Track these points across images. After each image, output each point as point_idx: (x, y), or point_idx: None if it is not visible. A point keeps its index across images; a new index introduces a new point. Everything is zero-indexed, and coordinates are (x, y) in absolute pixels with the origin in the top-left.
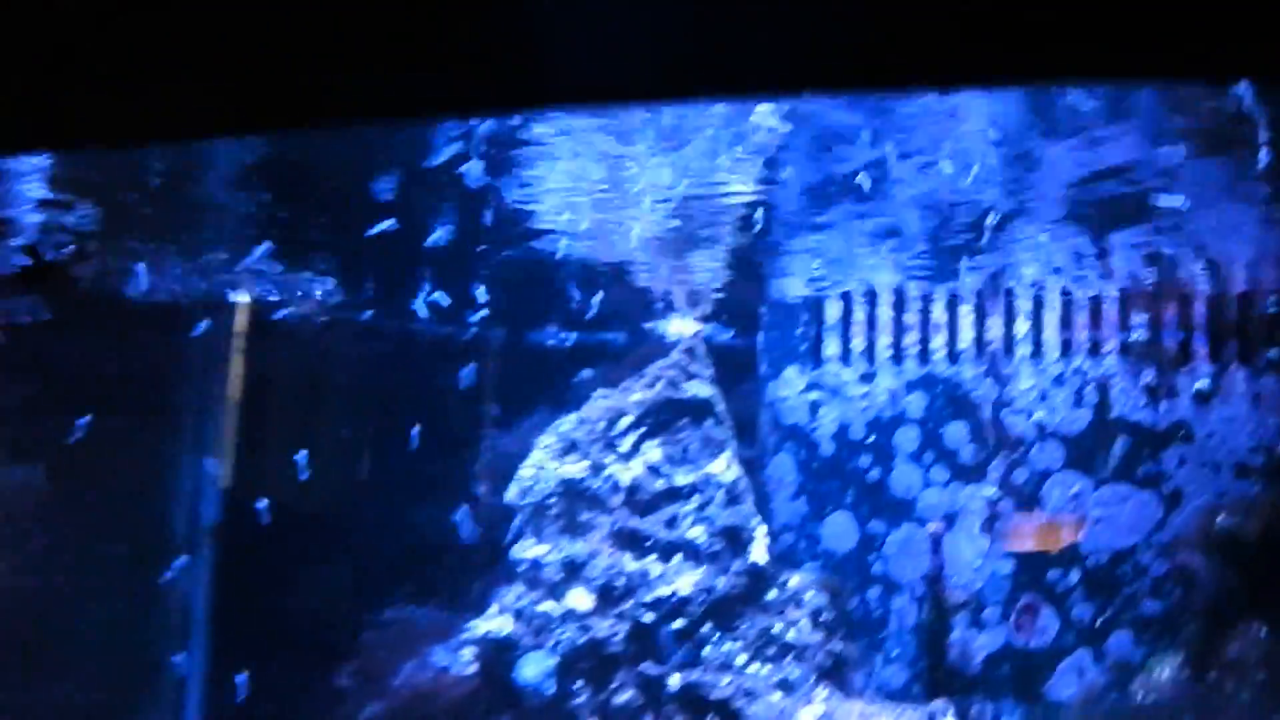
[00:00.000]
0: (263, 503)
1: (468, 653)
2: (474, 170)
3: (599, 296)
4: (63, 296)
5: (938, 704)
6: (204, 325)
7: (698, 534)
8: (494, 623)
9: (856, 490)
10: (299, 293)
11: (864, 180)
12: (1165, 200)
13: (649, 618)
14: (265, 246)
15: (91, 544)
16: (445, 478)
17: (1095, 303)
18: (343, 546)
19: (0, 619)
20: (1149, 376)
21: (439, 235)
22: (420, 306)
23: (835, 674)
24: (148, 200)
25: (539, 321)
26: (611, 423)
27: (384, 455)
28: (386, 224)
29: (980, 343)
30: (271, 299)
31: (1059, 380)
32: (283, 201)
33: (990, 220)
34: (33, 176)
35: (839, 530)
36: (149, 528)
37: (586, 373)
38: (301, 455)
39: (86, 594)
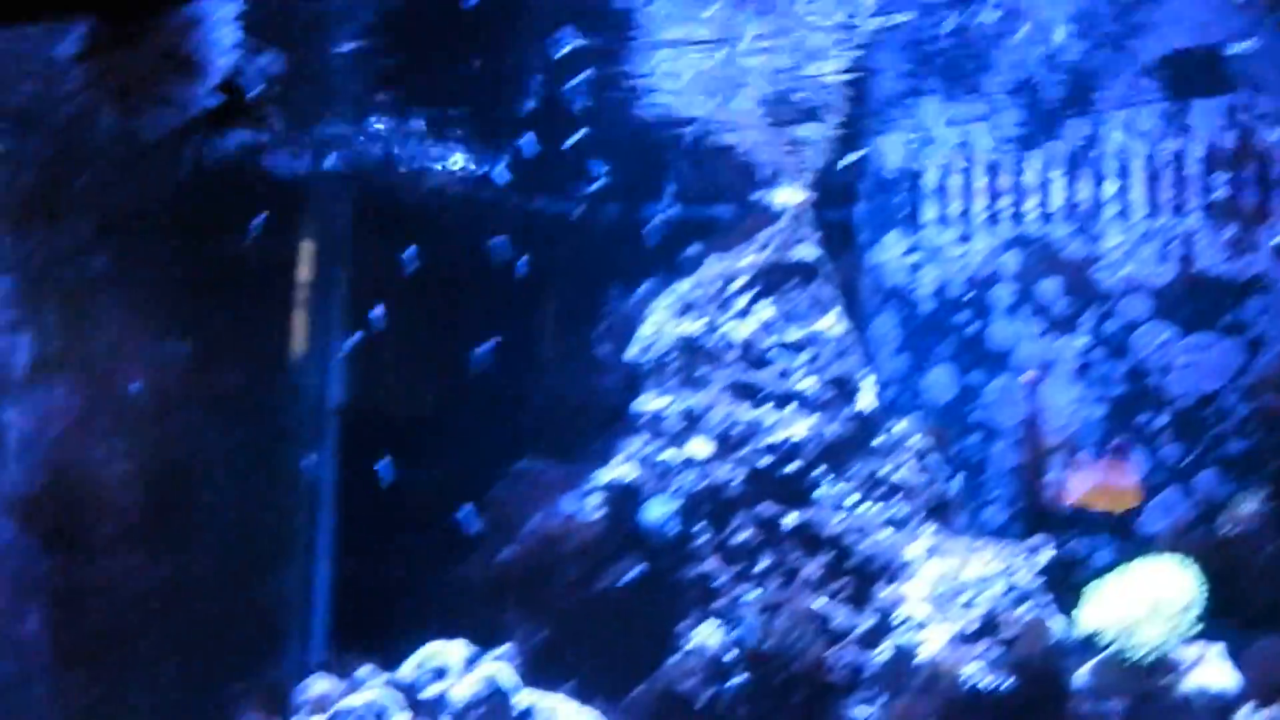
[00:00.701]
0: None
1: (594, 500)
2: (585, 46)
3: (708, 170)
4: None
5: (1037, 539)
6: (337, 200)
7: (809, 385)
8: (619, 470)
9: (956, 344)
10: (432, 167)
11: (959, 48)
12: (1236, 47)
13: (764, 462)
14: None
15: (230, 419)
16: (569, 342)
17: (1179, 163)
18: (472, 411)
19: (147, 488)
20: (1230, 232)
21: (557, 112)
22: (538, 181)
23: (940, 513)
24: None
25: (652, 196)
26: (725, 284)
27: (509, 323)
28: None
29: (1070, 203)
30: (403, 172)
31: (1145, 237)
32: (419, 73)
33: (1078, 85)
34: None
35: (940, 382)
36: (283, 405)
37: (699, 243)
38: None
39: (226, 467)
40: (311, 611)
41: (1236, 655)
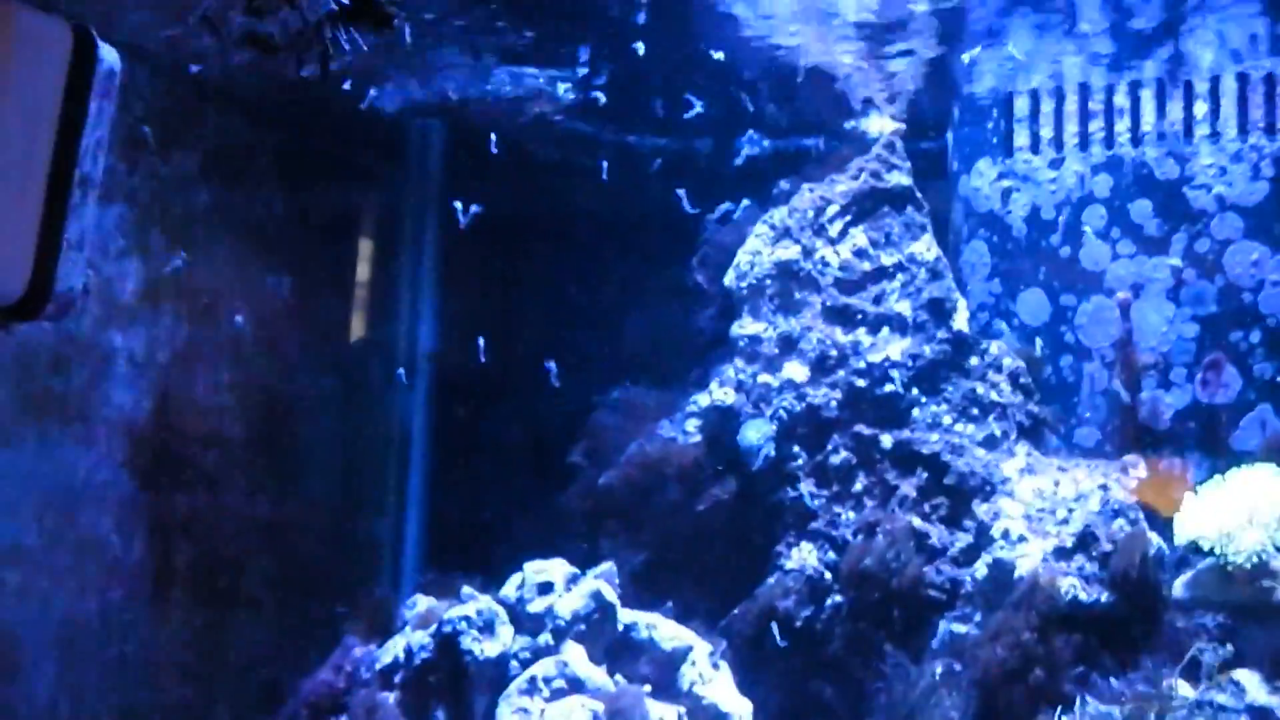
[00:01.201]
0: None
1: (693, 424)
2: None
3: (801, 100)
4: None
5: (1130, 457)
6: (436, 136)
7: (903, 307)
8: (717, 394)
9: (1049, 267)
10: (528, 101)
11: None
12: None
13: (860, 384)
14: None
15: (331, 356)
16: (667, 273)
17: (1270, 84)
18: (572, 341)
19: (251, 420)
20: None
21: (652, 44)
22: (633, 114)
23: (1034, 433)
24: None
25: (745, 127)
26: (819, 211)
27: (607, 256)
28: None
29: (1162, 125)
30: (498, 107)
31: (1237, 157)
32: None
33: (1170, 4)
34: None
35: (1033, 304)
36: (376, 341)
37: (793, 173)
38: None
39: (327, 402)
40: (412, 540)
41: None
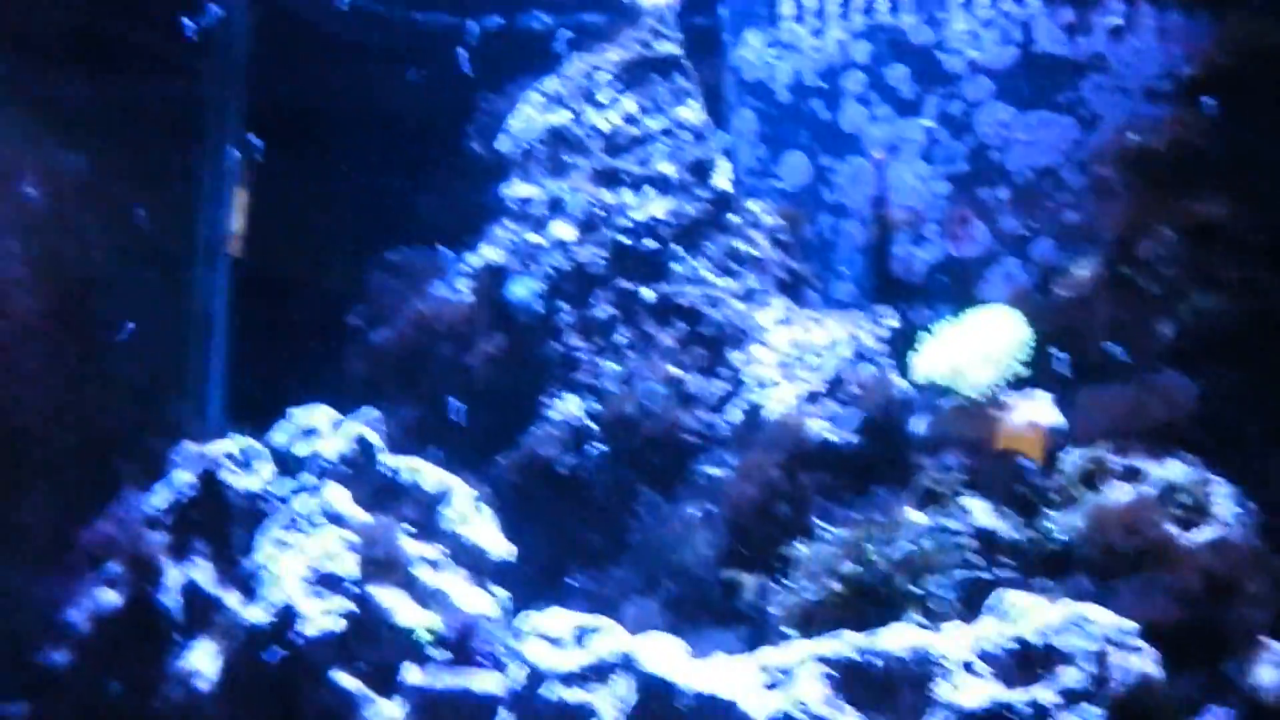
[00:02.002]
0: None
1: (464, 284)
2: None
3: None
4: None
5: (882, 309)
6: (226, 17)
7: (668, 169)
8: (487, 254)
9: (810, 131)
10: None
11: None
12: None
13: (625, 241)
14: None
15: (128, 236)
16: (440, 136)
17: None
18: (349, 208)
19: (46, 293)
20: (1067, 15)
21: None
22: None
23: (792, 288)
24: None
25: (530, 5)
26: (590, 78)
27: (402, 131)
28: None
29: None
30: None
31: (988, 23)
32: None
33: None
34: None
35: (795, 166)
36: (176, 225)
37: (568, 46)
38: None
39: (122, 281)
40: (213, 419)
41: (1063, 404)
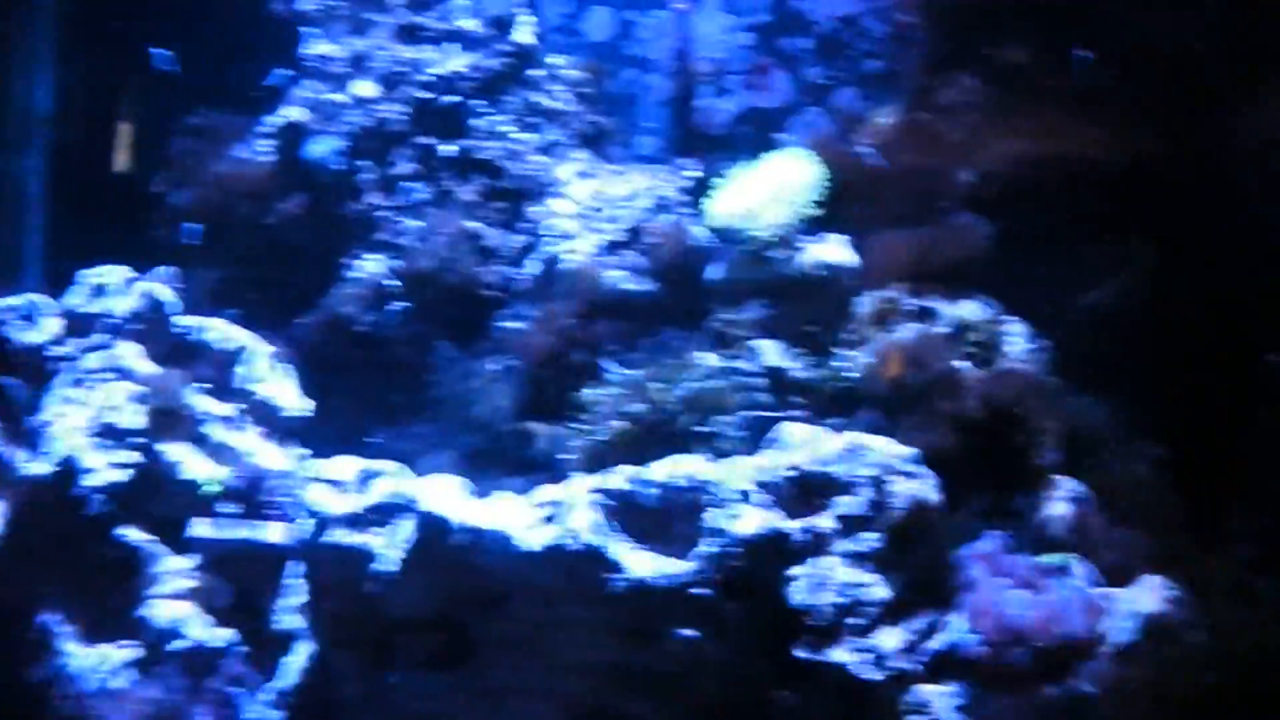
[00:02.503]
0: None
1: (265, 144)
2: None
3: None
4: None
5: (684, 161)
6: None
7: (470, 24)
8: (289, 113)
9: None
10: None
11: None
12: None
13: (426, 96)
14: None
15: None
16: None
17: None
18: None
19: None
20: None
21: None
22: None
23: (594, 142)
24: None
25: None
26: None
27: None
28: None
29: None
30: None
31: None
32: None
33: None
34: None
35: (599, 21)
36: None
37: None
38: None
39: None
40: (18, 285)
41: (860, 249)
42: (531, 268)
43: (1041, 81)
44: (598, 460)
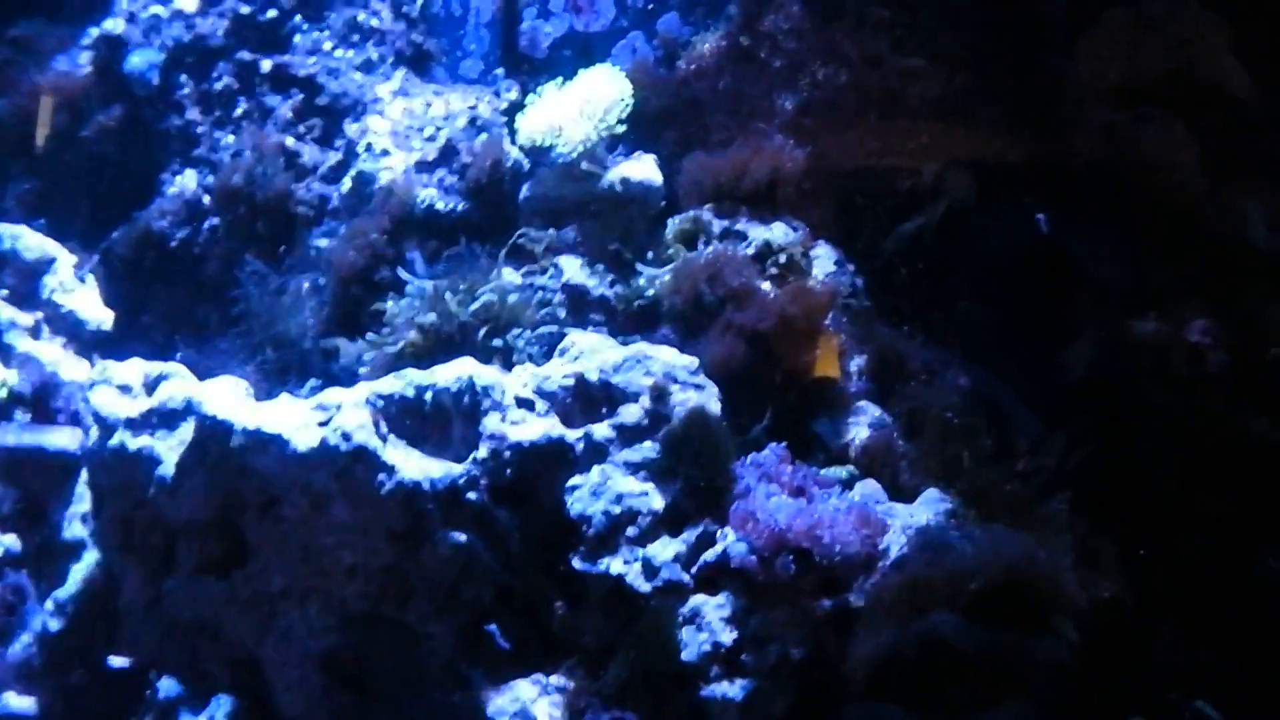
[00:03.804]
0: None
1: (85, 56)
2: None
3: None
4: None
5: (506, 83)
6: None
7: None
8: (107, 26)
9: None
10: None
11: None
12: None
13: (246, 11)
14: None
15: None
16: None
17: None
18: None
19: None
20: None
21: None
22: None
23: (416, 61)
24: None
25: None
26: None
27: None
28: None
29: None
30: None
31: None
32: None
33: None
34: None
35: None
36: None
37: None
38: None
39: None
40: None
41: (671, 171)
42: (345, 186)
43: (863, 9)
44: (389, 370)
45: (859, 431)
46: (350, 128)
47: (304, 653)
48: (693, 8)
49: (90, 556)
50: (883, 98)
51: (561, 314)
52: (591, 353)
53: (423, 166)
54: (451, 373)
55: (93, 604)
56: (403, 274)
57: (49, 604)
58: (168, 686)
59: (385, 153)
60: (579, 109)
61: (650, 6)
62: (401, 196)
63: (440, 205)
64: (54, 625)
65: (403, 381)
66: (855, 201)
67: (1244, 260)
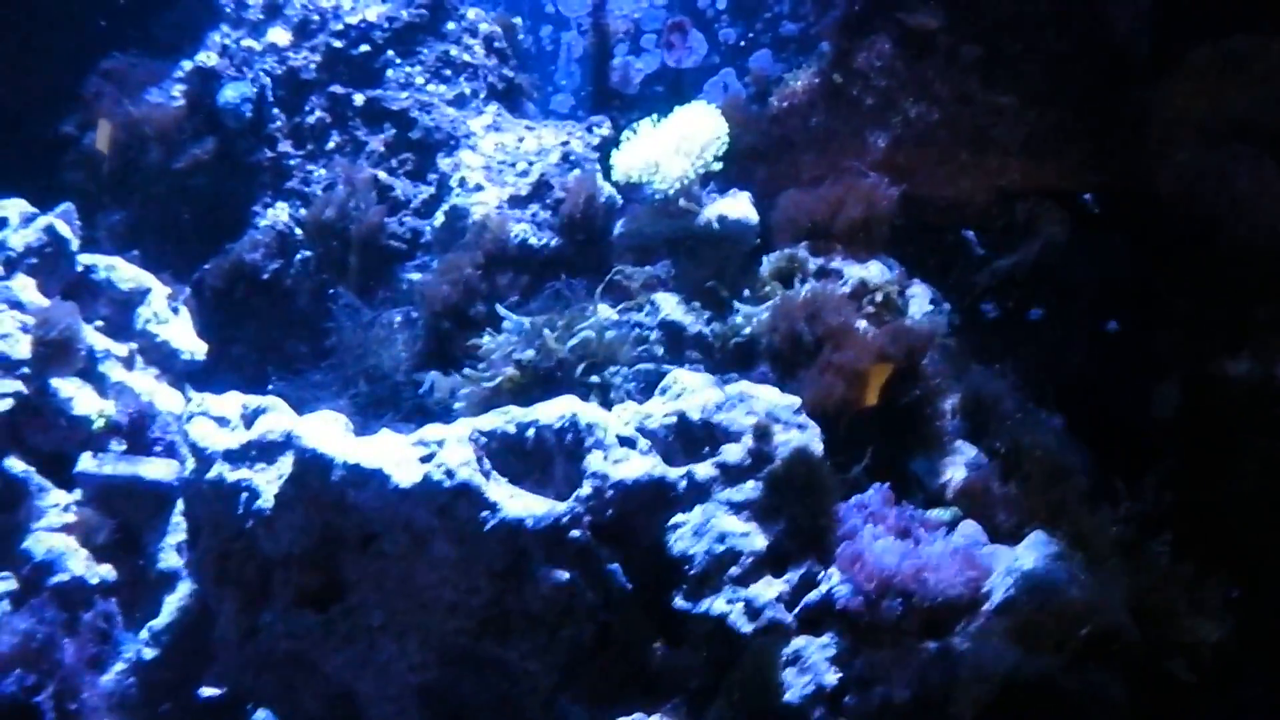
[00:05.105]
0: None
1: (178, 89)
2: None
3: None
4: None
5: (597, 118)
6: None
7: None
8: (201, 59)
9: None
10: None
11: None
12: None
13: (338, 45)
14: None
15: None
16: None
17: None
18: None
19: None
20: None
21: None
22: None
23: (507, 96)
24: None
25: None
26: None
27: None
28: None
29: None
30: None
31: None
32: None
33: None
34: None
35: None
36: None
37: None
38: None
39: None
40: None
41: (766, 208)
42: (438, 220)
43: (954, 48)
44: (486, 406)
45: (955, 472)
46: (443, 162)
47: (402, 687)
48: (784, 45)
49: (185, 587)
50: (974, 135)
51: (659, 351)
52: (693, 391)
53: (515, 201)
54: (555, 410)
55: (187, 634)
56: (500, 309)
57: (144, 633)
58: (262, 719)
59: (478, 187)
60: (675, 145)
61: (742, 44)
62: (495, 231)
63: (533, 240)
64: (148, 654)
65: (505, 418)
66: (948, 239)
67: None
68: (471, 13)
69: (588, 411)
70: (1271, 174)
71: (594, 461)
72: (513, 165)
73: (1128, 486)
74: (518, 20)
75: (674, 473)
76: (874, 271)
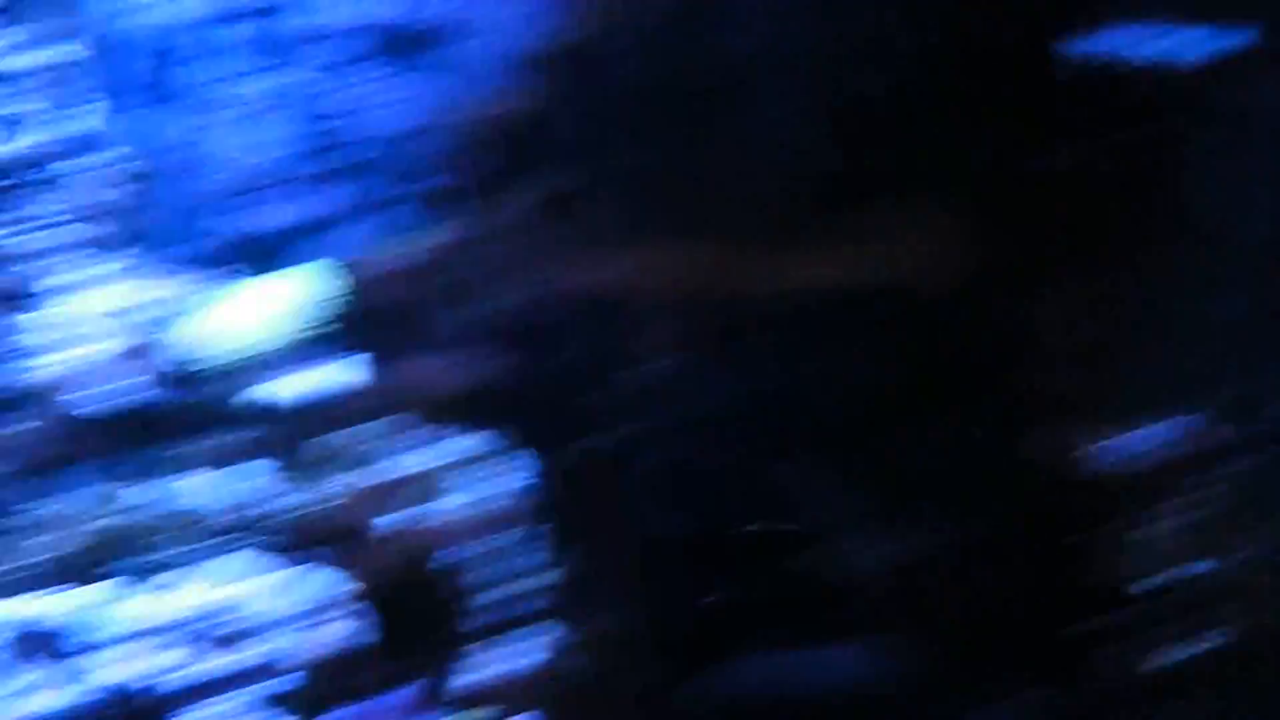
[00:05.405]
0: None
1: None
2: None
3: None
4: None
5: (206, 272)
6: None
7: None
8: None
9: (159, 89)
10: None
11: None
12: None
13: None
14: None
15: None
16: None
17: None
18: None
19: None
20: None
21: None
22: None
23: (116, 248)
24: None
25: None
26: None
27: None
28: None
29: None
30: None
31: None
32: None
33: None
34: None
35: (140, 124)
36: None
37: None
38: None
39: None
40: None
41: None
42: (8, 379)
43: (594, 209)
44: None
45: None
46: (29, 318)
47: None
48: (415, 202)
49: None
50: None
51: (202, 532)
52: (214, 584)
53: (99, 362)
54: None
55: None
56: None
57: None
58: None
59: (59, 347)
60: (269, 311)
61: (370, 199)
62: (53, 400)
63: (103, 405)
64: None
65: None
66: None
67: None
68: (102, 156)
69: (69, 608)
70: None
71: (77, 662)
72: (104, 322)
73: None
74: (136, 169)
75: (177, 673)
76: (464, 445)
